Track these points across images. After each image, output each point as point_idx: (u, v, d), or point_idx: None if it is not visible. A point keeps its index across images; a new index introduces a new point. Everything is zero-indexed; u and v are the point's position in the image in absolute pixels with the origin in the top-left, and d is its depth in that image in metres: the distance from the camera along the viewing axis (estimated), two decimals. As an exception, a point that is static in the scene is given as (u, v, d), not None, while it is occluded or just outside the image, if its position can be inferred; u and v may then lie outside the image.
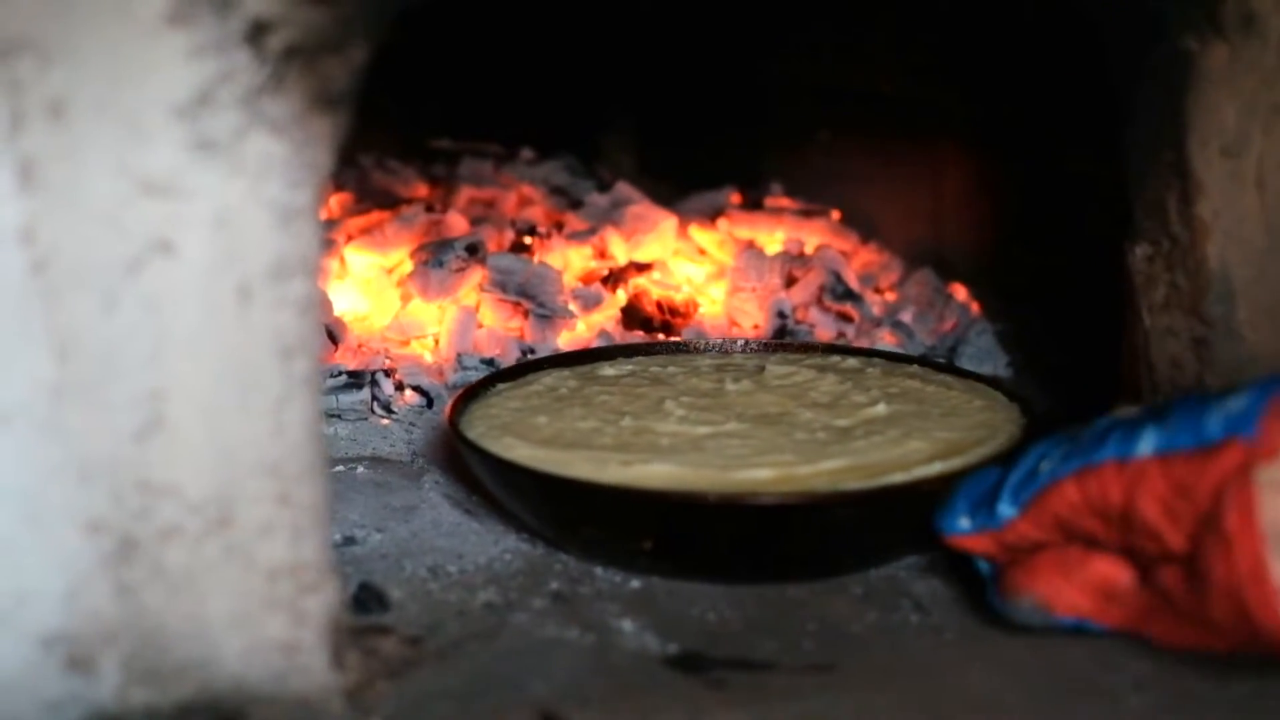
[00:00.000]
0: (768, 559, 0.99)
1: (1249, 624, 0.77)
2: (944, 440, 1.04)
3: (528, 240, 1.60)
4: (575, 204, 1.78)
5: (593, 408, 1.11)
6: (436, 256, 1.45)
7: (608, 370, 1.22)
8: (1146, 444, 0.81)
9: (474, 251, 1.46)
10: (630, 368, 1.23)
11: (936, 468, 0.99)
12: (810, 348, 1.28)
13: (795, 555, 0.99)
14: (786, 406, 1.12)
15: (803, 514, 0.96)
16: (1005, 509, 0.87)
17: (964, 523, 0.90)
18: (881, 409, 1.10)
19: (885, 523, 0.98)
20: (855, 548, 1.00)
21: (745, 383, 1.16)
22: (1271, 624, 0.76)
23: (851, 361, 1.23)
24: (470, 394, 1.14)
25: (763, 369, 1.20)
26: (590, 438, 1.05)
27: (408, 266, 1.48)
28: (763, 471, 0.99)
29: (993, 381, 1.19)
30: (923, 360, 1.25)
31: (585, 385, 1.17)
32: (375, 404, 1.30)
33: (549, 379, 1.19)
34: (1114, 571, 0.86)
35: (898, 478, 0.98)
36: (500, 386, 1.17)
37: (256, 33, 0.73)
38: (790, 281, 1.56)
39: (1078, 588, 0.86)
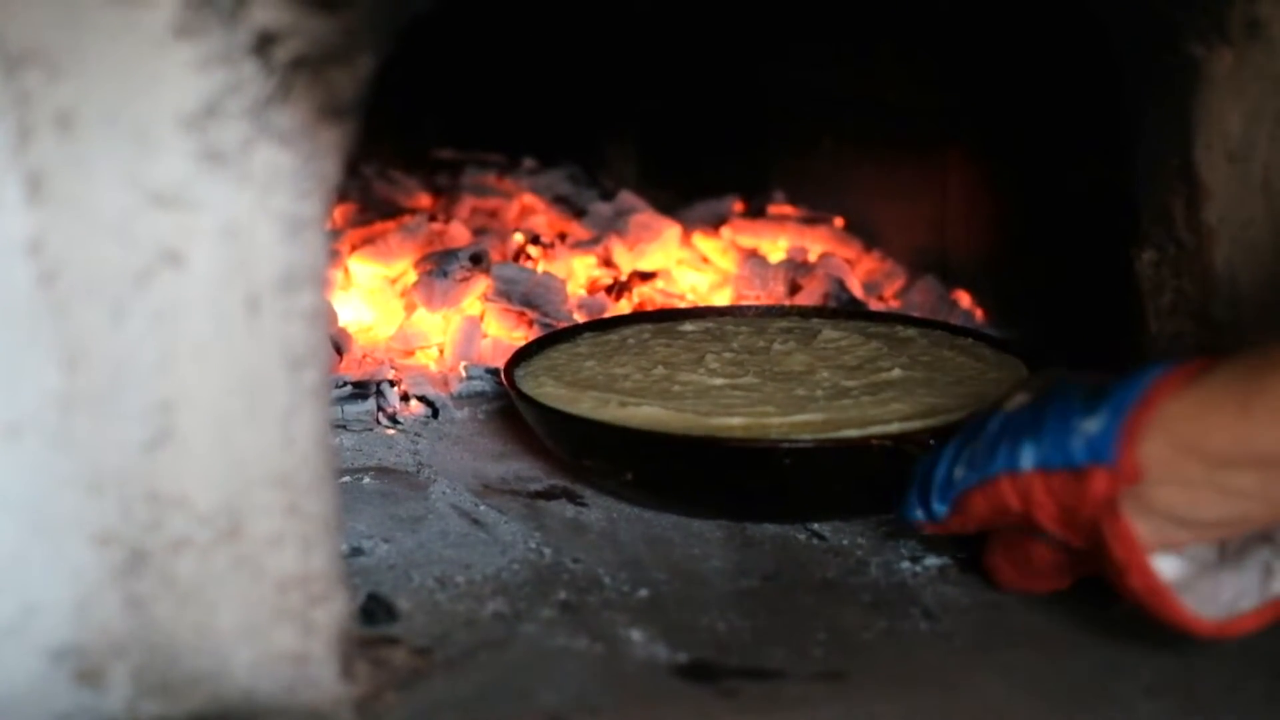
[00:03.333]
0: (727, 497, 1.09)
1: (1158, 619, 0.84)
2: (927, 404, 1.11)
3: (531, 250, 1.60)
4: (579, 213, 1.78)
5: (640, 357, 1.23)
6: (440, 266, 1.45)
7: (686, 326, 1.34)
8: (1028, 458, 0.85)
9: (478, 261, 1.46)
10: (708, 325, 1.34)
11: (894, 428, 1.06)
12: (874, 316, 1.39)
13: (751, 495, 1.08)
14: (813, 366, 1.21)
15: (746, 457, 1.05)
16: (939, 508, 0.92)
17: (918, 513, 0.95)
18: (896, 373, 1.18)
19: (825, 473, 1.05)
20: (802, 493, 1.08)
21: (792, 344, 1.27)
22: (1177, 623, 0.82)
23: (910, 331, 1.31)
24: (550, 340, 1.29)
25: (819, 333, 1.29)
26: (614, 382, 1.18)
27: (412, 277, 1.48)
28: (736, 419, 1.09)
29: (1028, 360, 1.22)
30: (977, 334, 1.32)
31: (655, 338, 1.29)
32: (380, 414, 1.30)
33: (629, 330, 1.32)
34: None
35: (851, 433, 1.05)
36: (586, 335, 1.31)
37: (264, 44, 0.73)
38: (794, 289, 1.56)
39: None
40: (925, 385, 1.16)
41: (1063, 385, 0.87)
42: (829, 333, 1.29)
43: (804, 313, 1.38)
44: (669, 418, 1.10)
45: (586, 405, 1.13)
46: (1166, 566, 0.83)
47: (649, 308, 1.50)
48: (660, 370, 1.20)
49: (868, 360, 1.23)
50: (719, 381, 1.18)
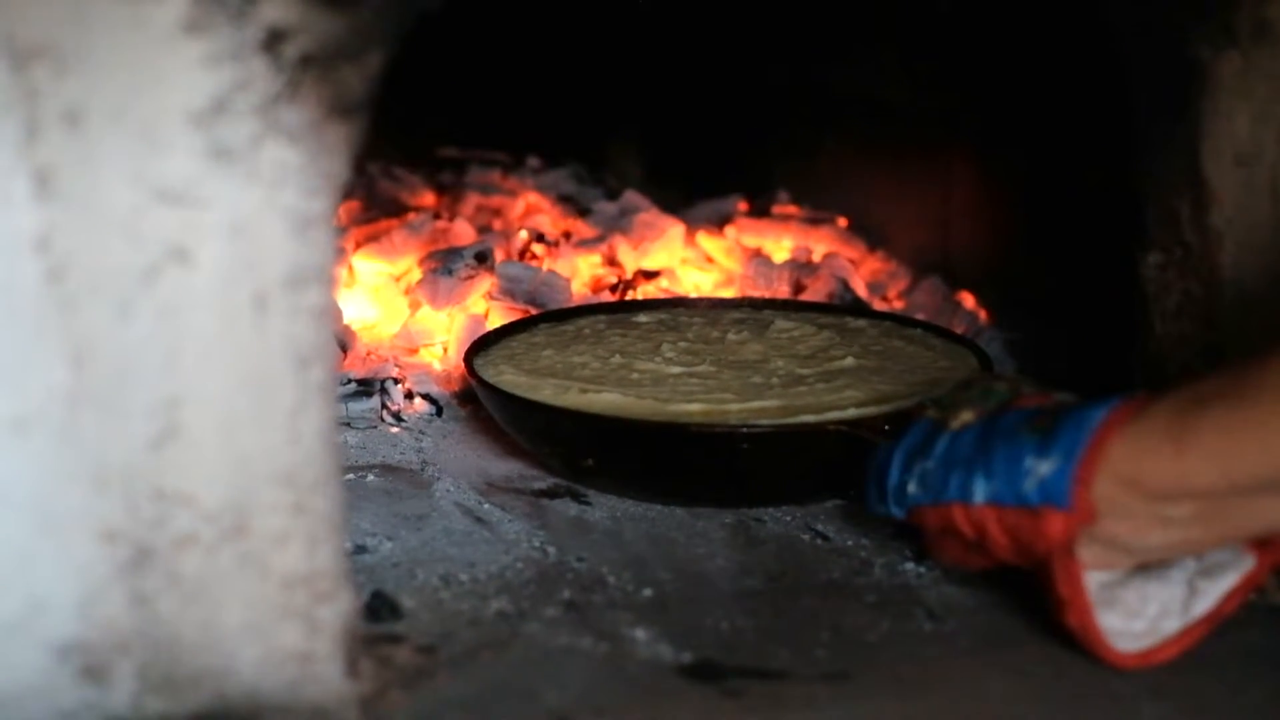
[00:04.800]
0: (687, 481, 1.11)
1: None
2: (880, 392, 1.14)
3: (536, 248, 1.60)
4: (583, 212, 1.78)
5: (597, 346, 1.25)
6: (445, 264, 1.45)
7: (640, 317, 1.35)
8: (980, 492, 0.87)
9: (482, 259, 1.46)
10: (661, 316, 1.34)
11: (850, 413, 1.09)
12: (825, 308, 1.40)
13: (710, 480, 1.11)
14: (767, 355, 1.24)
15: (707, 442, 1.07)
16: (896, 510, 0.94)
17: (879, 508, 0.96)
18: (849, 362, 1.21)
19: (784, 457, 1.09)
20: (761, 478, 1.10)
21: (746, 334, 1.29)
22: (1104, 658, 0.87)
23: (860, 322, 1.33)
24: (507, 330, 1.30)
25: (771, 323, 1.31)
26: (573, 370, 1.20)
27: (416, 274, 1.48)
28: (695, 405, 1.12)
29: (977, 350, 1.27)
30: (926, 326, 1.35)
31: (610, 329, 1.31)
32: (385, 412, 1.30)
33: (584, 321, 1.33)
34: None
35: (808, 419, 1.08)
36: (542, 326, 1.32)
37: (273, 41, 0.73)
38: (798, 289, 1.56)
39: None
40: (878, 373, 1.19)
41: (1009, 415, 0.89)
42: (781, 323, 1.32)
43: (755, 304, 1.41)
44: (629, 404, 1.13)
45: (547, 392, 1.15)
46: (1095, 577, 0.86)
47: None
48: (617, 359, 1.23)
49: (820, 350, 1.26)
50: (676, 370, 1.21)
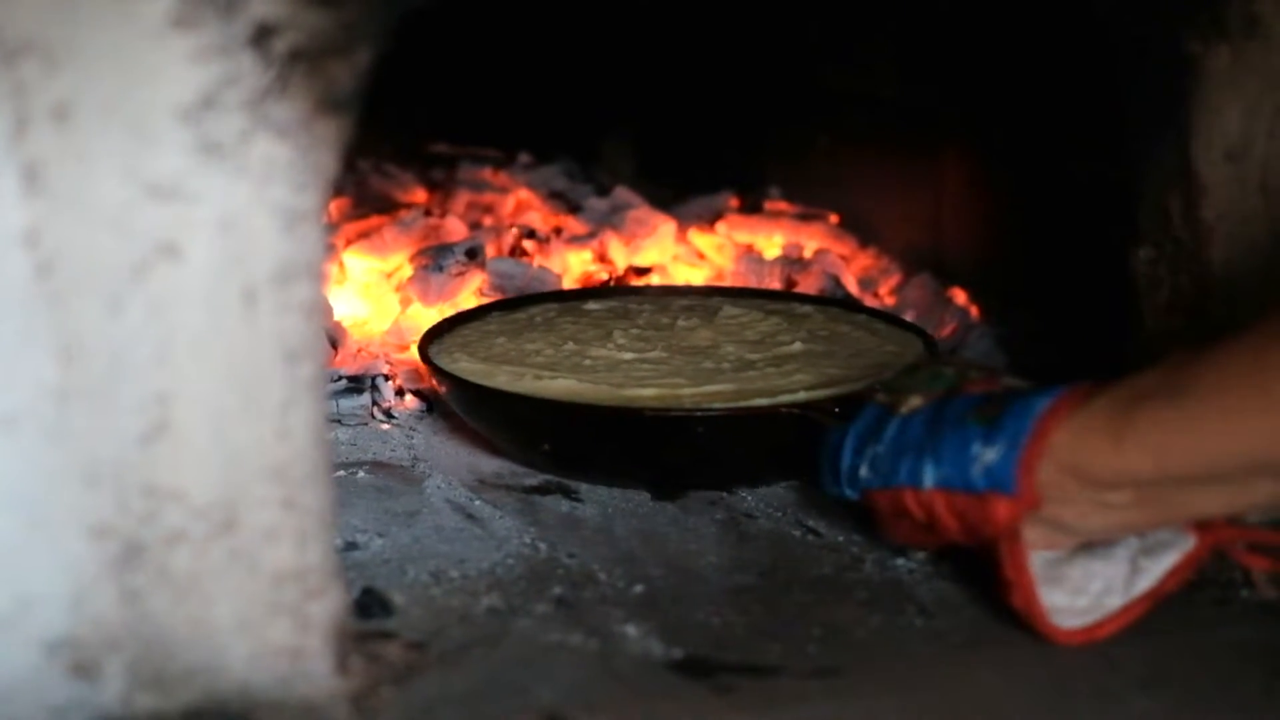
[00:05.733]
0: (642, 466, 1.13)
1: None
2: (829, 375, 1.17)
3: (527, 244, 1.60)
4: (574, 208, 1.78)
5: (549, 334, 1.26)
6: (436, 261, 1.45)
7: (590, 305, 1.36)
8: (929, 477, 0.90)
9: (473, 256, 1.46)
10: (611, 304, 1.37)
11: (801, 396, 1.12)
12: (771, 294, 1.42)
13: (665, 464, 1.13)
14: (717, 341, 1.26)
15: (662, 426, 1.10)
16: (849, 492, 0.97)
17: (834, 490, 0.99)
18: (797, 347, 1.24)
19: (737, 440, 1.11)
20: (715, 461, 1.12)
21: (695, 320, 1.31)
22: (1047, 637, 0.89)
23: (806, 308, 1.35)
24: (461, 319, 1.31)
25: (719, 310, 1.33)
26: (527, 357, 1.22)
27: (407, 271, 1.48)
28: (649, 390, 1.14)
29: (922, 334, 1.29)
30: (871, 311, 1.37)
31: (561, 316, 1.32)
32: (375, 409, 1.30)
33: (535, 309, 1.35)
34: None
35: (761, 402, 1.11)
36: (494, 314, 1.33)
37: (261, 36, 0.73)
38: (790, 285, 1.56)
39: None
40: (826, 358, 1.22)
41: (957, 401, 0.92)
42: (729, 309, 1.33)
43: (703, 291, 1.42)
44: (584, 390, 1.15)
45: (502, 379, 1.17)
46: (1042, 555, 0.89)
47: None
48: (571, 346, 1.24)
49: (768, 335, 1.27)
50: (628, 356, 1.22)
